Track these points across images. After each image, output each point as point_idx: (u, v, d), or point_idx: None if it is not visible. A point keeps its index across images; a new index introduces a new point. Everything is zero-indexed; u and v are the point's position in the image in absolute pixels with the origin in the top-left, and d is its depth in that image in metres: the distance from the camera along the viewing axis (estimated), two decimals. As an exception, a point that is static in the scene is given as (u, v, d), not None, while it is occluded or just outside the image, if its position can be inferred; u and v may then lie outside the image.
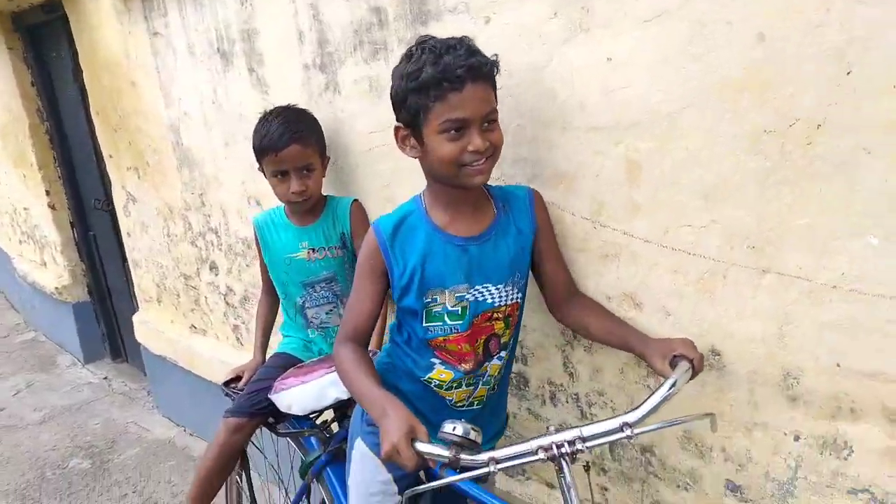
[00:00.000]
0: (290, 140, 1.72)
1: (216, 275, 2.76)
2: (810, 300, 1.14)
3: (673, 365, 1.16)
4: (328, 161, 1.87)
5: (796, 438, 1.23)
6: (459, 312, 1.32)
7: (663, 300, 1.33)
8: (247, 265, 2.53)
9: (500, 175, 1.53)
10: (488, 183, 1.35)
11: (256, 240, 1.95)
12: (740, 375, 1.26)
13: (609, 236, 1.39)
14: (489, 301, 1.33)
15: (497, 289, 1.33)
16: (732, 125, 1.15)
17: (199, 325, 3.06)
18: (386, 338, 1.56)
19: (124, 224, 3.37)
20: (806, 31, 1.03)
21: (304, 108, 1.85)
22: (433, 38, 1.22)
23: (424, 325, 1.34)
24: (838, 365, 1.14)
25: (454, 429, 1.05)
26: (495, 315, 1.35)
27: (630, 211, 1.34)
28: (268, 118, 1.78)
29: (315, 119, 1.83)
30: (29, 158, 4.27)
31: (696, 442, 1.39)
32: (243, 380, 1.96)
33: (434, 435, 1.08)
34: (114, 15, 2.68)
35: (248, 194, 2.36)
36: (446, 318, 1.33)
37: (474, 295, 1.32)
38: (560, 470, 1.05)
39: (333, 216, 1.87)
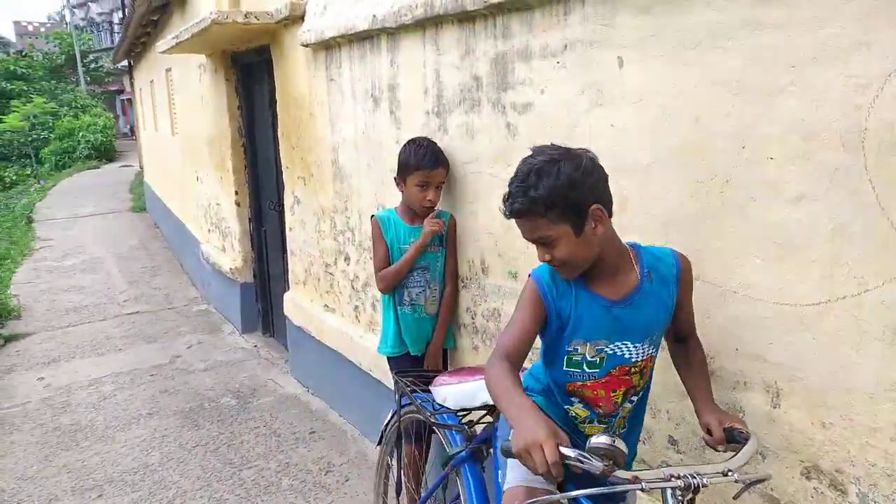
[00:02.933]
0: (439, 164, 2.45)
1: (348, 264, 3.55)
2: (721, 301, 1.64)
3: (727, 432, 1.42)
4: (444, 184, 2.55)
5: (711, 403, 1.71)
6: (597, 362, 1.50)
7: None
8: (370, 258, 3.29)
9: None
10: (636, 243, 1.57)
11: (379, 230, 2.59)
12: (679, 354, 1.77)
13: (607, 249, 1.94)
14: (626, 356, 1.51)
15: (635, 346, 1.51)
16: (679, 176, 1.69)
17: (331, 305, 3.88)
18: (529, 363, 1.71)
19: (289, 221, 4.30)
20: (720, 118, 1.57)
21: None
22: (536, 153, 1.44)
23: (565, 369, 1.53)
24: (736, 349, 1.63)
25: (612, 441, 1.19)
26: (633, 370, 1.53)
27: (621, 230, 1.88)
28: (420, 143, 2.48)
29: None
30: (227, 165, 5.43)
31: (651, 405, 1.89)
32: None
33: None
34: (304, 63, 3.62)
35: (377, 203, 3.13)
36: (584, 367, 1.51)
37: (613, 350, 1.50)
38: (692, 500, 1.24)
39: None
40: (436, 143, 2.50)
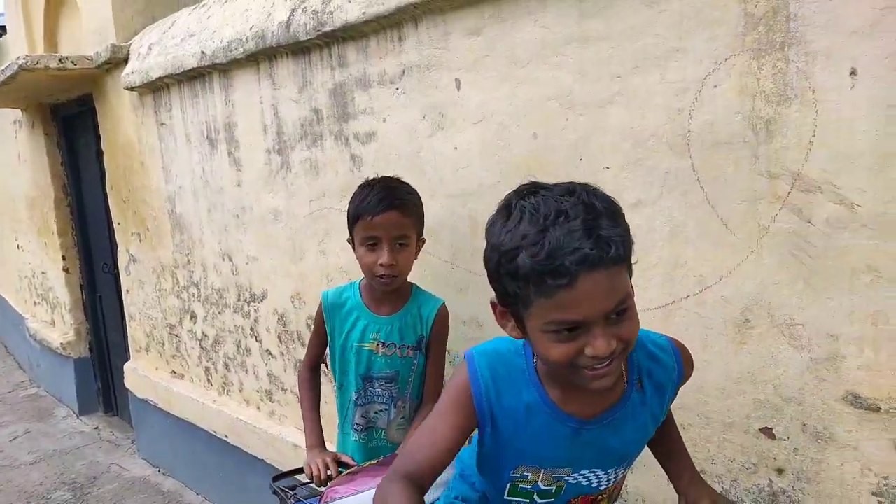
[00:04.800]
0: (389, 206, 1.62)
1: (194, 323, 3.25)
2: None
3: None
4: (423, 244, 1.75)
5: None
6: (552, 491, 1.08)
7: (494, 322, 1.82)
8: (219, 312, 3.04)
9: (393, 231, 2.05)
10: None
11: (321, 316, 1.79)
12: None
13: (461, 275, 1.89)
14: (594, 485, 1.09)
15: (606, 473, 1.08)
16: (524, 193, 1.68)
17: (178, 370, 3.53)
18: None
19: (125, 282, 3.90)
20: (556, 132, 1.58)
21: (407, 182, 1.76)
22: (540, 189, 0.93)
23: (507, 497, 1.10)
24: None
25: None
26: (599, 497, 1.12)
27: (473, 255, 1.85)
28: (370, 184, 1.70)
29: (419, 197, 1.73)
30: (51, 228, 4.89)
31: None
32: (307, 472, 1.66)
33: None
34: (131, 108, 3.35)
35: (222, 252, 2.90)
36: (535, 497, 1.09)
37: (576, 479, 1.07)
38: None
39: (417, 315, 1.76)
40: (407, 184, 1.72)
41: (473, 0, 1.66)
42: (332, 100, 2.18)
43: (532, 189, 0.93)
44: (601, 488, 1.10)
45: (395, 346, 1.73)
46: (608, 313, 0.88)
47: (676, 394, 1.12)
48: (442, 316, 1.76)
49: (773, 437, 1.33)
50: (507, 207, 0.92)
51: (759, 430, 1.35)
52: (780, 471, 1.33)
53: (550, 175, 1.60)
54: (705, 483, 1.16)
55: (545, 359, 0.95)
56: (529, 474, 1.06)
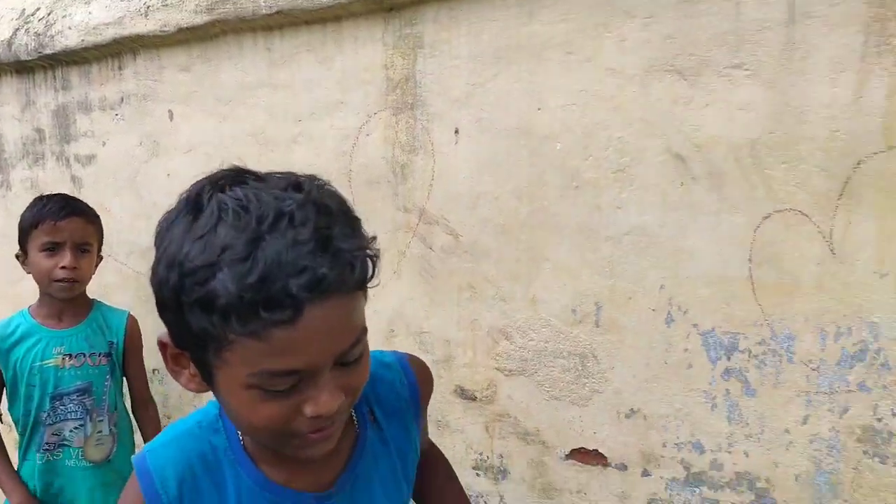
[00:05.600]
0: (72, 211, 1.64)
1: None
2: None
3: None
4: (101, 260, 1.77)
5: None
6: None
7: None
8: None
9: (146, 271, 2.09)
10: None
11: None
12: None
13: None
14: None
15: None
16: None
17: None
18: None
19: None
20: (253, 166, 1.75)
21: None
22: (249, 177, 0.66)
23: None
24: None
25: None
26: None
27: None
28: (48, 195, 1.72)
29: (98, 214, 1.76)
30: None
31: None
32: None
33: None
34: None
35: (-67, 273, 2.69)
36: None
37: None
38: None
39: (103, 324, 1.77)
40: (75, 198, 1.76)
41: (182, 40, 1.81)
42: (55, 120, 2.18)
43: (236, 177, 0.66)
44: None
45: (85, 356, 1.71)
46: (339, 356, 0.64)
47: (424, 416, 0.89)
48: (133, 323, 1.80)
49: (410, 428, 1.58)
50: (196, 201, 0.64)
51: (401, 423, 1.60)
52: (413, 457, 1.58)
53: (246, 203, 1.79)
54: None
55: (245, 425, 0.69)
56: None
